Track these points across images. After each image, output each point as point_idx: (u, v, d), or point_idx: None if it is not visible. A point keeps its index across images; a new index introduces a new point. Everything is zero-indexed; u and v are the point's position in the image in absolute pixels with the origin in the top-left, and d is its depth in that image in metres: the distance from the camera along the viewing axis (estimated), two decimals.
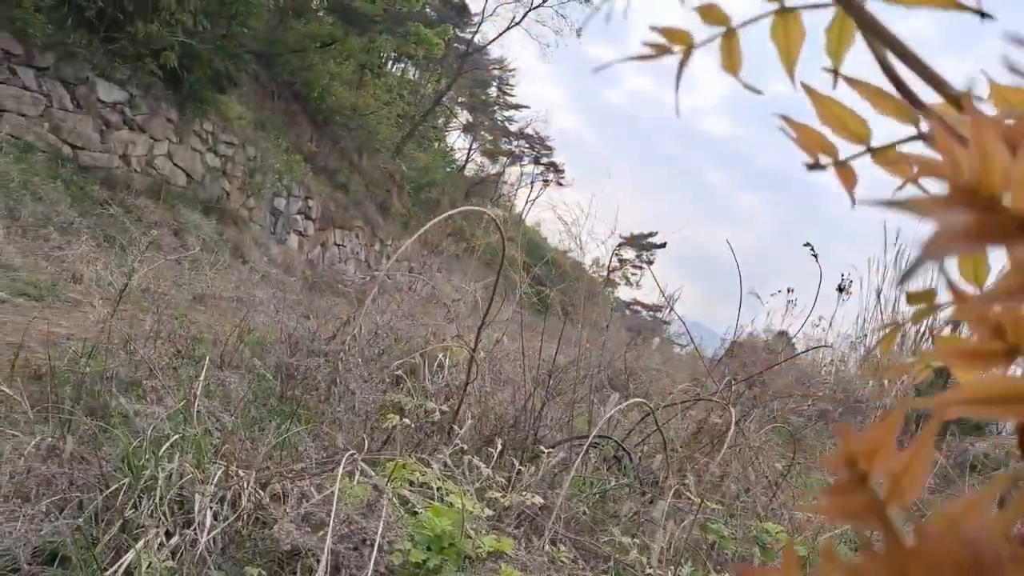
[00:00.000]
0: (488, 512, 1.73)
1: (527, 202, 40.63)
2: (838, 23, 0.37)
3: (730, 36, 0.40)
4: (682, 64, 0.40)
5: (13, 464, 1.89)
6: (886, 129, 0.36)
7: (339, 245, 18.66)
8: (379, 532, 1.40)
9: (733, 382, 3.37)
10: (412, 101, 28.60)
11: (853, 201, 0.35)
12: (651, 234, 39.18)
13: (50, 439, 2.04)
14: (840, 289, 5.72)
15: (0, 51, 9.58)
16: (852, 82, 0.35)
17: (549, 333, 3.79)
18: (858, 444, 0.25)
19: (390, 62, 27.78)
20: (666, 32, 0.40)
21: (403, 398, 2.63)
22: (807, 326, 7.49)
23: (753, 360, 4.94)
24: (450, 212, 2.66)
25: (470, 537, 1.54)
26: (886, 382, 5.54)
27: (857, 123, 0.36)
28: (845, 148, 0.37)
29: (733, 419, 2.50)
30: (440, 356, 3.49)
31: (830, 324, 6.42)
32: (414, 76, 32.35)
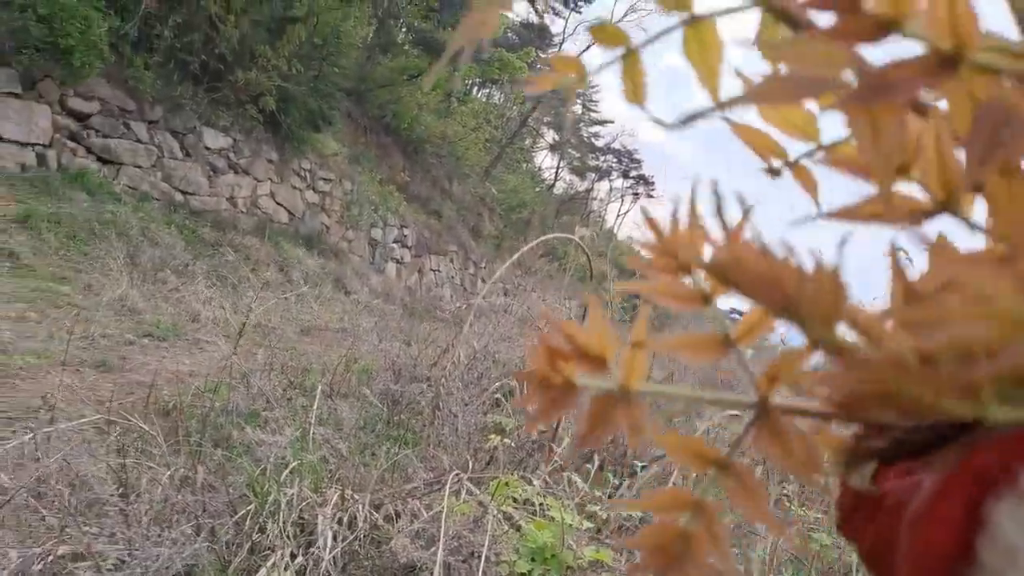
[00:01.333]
0: (588, 525, 1.80)
1: (617, 216, 40.39)
2: (767, 26, 0.33)
3: (631, 59, 0.35)
4: (575, 92, 0.36)
5: (151, 493, 2.07)
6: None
7: (435, 271, 19.05)
8: (486, 545, 1.49)
9: None
10: (498, 125, 28.98)
11: (818, 208, 0.31)
12: None
13: (182, 470, 2.22)
14: None
15: (116, 108, 10.29)
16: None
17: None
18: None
19: (475, 88, 28.30)
20: (556, 61, 0.36)
21: (503, 419, 2.73)
22: None
23: None
24: (537, 240, 2.76)
25: (571, 549, 1.62)
26: None
27: (803, 118, 0.34)
28: (797, 149, 0.34)
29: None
30: None
31: None
32: (499, 100, 32.82)
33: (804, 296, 0.27)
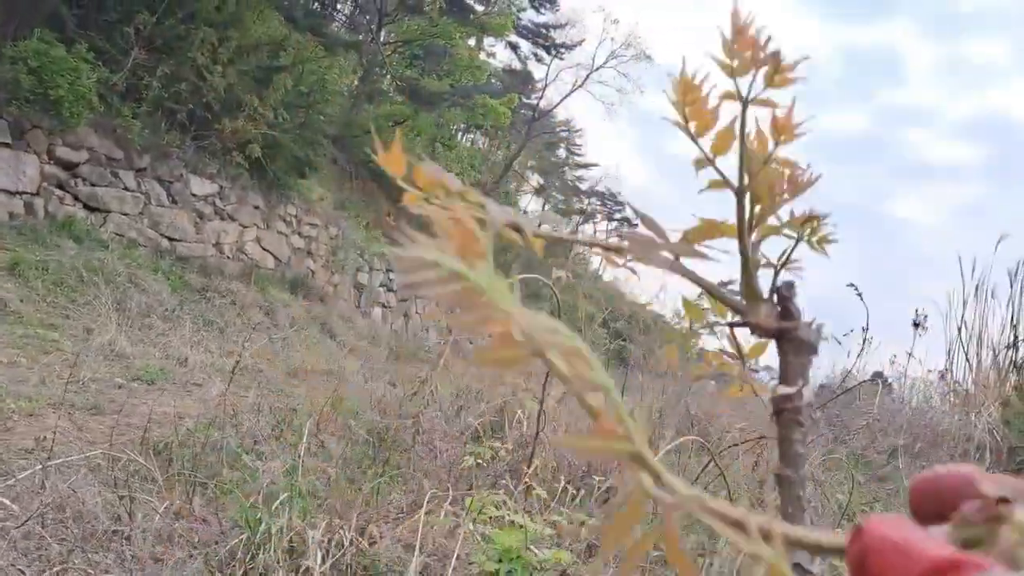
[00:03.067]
0: (549, 532, 1.94)
1: (602, 259, 40.66)
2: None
3: None
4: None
5: (150, 522, 2.17)
6: None
7: (420, 314, 19.15)
8: (457, 546, 1.62)
9: None
10: (483, 169, 29.35)
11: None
12: (731, 281, 38.94)
13: (178, 502, 2.33)
14: (916, 324, 5.68)
15: (104, 157, 10.45)
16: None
17: (628, 385, 3.96)
18: None
19: (460, 133, 28.71)
20: None
21: (482, 449, 2.85)
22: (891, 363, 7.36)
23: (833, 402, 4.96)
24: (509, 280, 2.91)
25: (532, 551, 1.75)
26: (972, 416, 5.47)
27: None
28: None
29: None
30: (519, 412, 3.71)
31: (908, 359, 6.34)
32: (484, 145, 33.26)
33: None
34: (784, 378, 0.66)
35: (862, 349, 4.29)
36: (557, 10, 31.01)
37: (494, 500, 2.04)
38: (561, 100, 33.27)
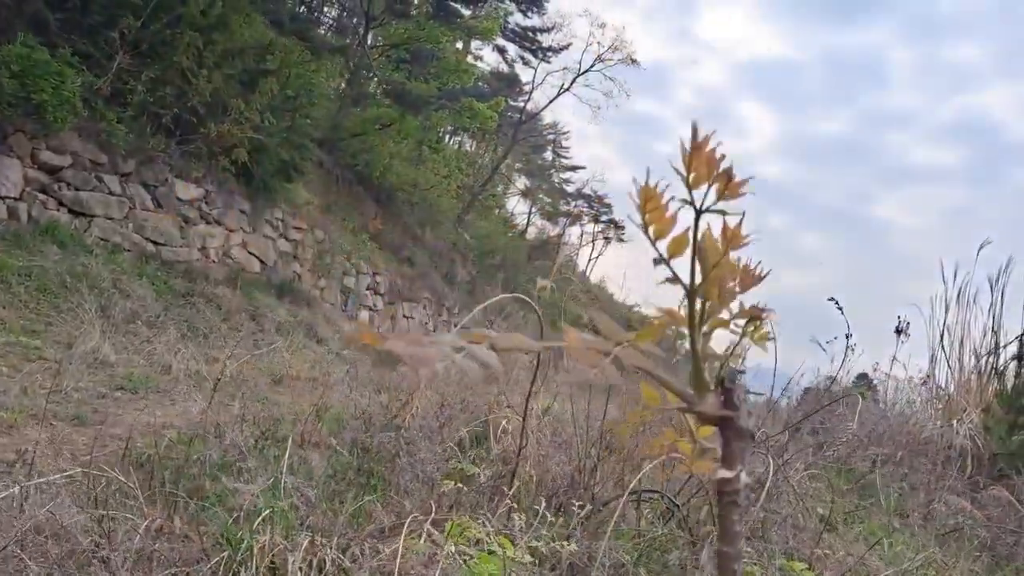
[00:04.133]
0: (528, 558, 1.95)
1: (589, 260, 40.79)
2: None
3: None
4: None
5: (130, 542, 2.16)
6: None
7: (408, 317, 19.13)
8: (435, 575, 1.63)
9: (784, 429, 3.53)
10: (470, 172, 29.34)
11: None
12: None
13: (159, 520, 2.32)
14: (899, 331, 5.72)
15: (88, 162, 10.38)
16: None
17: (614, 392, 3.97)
18: None
19: (447, 136, 28.68)
20: None
21: (465, 465, 2.86)
22: (874, 370, 7.42)
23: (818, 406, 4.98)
24: (496, 298, 2.92)
25: None
26: (954, 422, 5.52)
27: None
28: None
29: (771, 466, 2.66)
30: (504, 423, 3.71)
31: (891, 365, 6.39)
32: (471, 148, 33.26)
33: None
34: (725, 461, 0.74)
35: (844, 357, 4.32)
36: (544, 14, 31.06)
37: (472, 525, 2.05)
38: (548, 103, 33.30)
